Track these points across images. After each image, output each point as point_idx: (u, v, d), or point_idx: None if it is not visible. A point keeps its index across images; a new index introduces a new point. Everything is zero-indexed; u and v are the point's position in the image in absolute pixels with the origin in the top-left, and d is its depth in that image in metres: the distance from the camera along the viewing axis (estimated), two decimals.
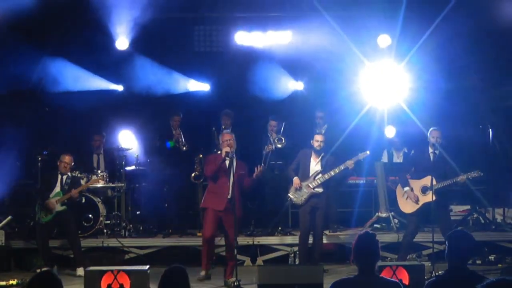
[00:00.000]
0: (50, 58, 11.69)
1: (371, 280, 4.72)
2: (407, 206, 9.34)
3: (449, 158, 9.18)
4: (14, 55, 11.10)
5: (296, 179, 9.46)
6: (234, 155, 8.97)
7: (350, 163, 9.39)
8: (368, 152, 9.53)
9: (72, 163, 10.05)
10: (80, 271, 9.35)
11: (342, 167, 9.38)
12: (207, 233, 8.97)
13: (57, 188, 9.86)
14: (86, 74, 12.06)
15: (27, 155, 11.34)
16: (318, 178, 9.39)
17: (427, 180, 9.10)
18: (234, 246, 9.01)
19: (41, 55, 11.59)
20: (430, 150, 9.22)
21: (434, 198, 8.92)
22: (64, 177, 10.01)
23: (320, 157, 9.49)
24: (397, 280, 4.94)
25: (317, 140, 9.46)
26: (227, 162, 8.97)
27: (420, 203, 9.16)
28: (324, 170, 9.40)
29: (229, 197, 8.89)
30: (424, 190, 9.14)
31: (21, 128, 11.83)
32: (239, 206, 9.03)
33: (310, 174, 9.45)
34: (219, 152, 9.14)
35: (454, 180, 8.98)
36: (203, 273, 8.97)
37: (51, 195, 9.79)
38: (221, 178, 9.00)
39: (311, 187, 9.38)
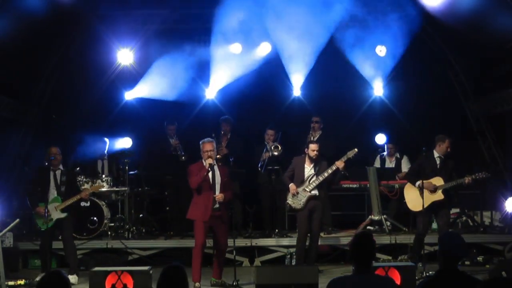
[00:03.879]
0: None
1: (367, 277, 4.73)
2: (415, 204, 9.32)
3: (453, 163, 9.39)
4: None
5: (292, 186, 9.43)
6: (215, 163, 8.77)
7: (340, 163, 9.36)
8: (356, 150, 9.43)
9: (60, 154, 9.36)
10: (73, 279, 8.94)
11: (333, 167, 9.36)
12: (198, 243, 8.64)
13: (53, 191, 9.30)
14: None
15: (33, 161, 11.31)
16: (313, 181, 9.37)
17: (434, 181, 9.23)
18: (225, 252, 8.96)
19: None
20: (436, 154, 9.36)
21: (442, 197, 9.11)
22: (58, 172, 9.35)
23: (313, 163, 9.49)
24: (391, 277, 4.94)
25: (313, 149, 9.42)
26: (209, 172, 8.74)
27: (430, 201, 9.15)
28: (317, 174, 9.41)
29: (215, 206, 8.63)
30: (432, 190, 9.22)
31: (27, 134, 11.88)
32: (226, 213, 8.86)
33: (305, 179, 9.45)
34: (202, 161, 8.77)
35: (460, 182, 9.13)
36: (197, 285, 8.52)
37: (49, 200, 9.23)
38: (205, 189, 8.66)
39: (308, 190, 9.37)
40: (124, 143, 11.85)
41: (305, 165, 9.51)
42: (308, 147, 9.47)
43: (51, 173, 9.37)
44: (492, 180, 11.45)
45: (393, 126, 12.03)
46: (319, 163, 9.49)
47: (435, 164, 9.35)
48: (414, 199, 9.33)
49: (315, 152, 9.41)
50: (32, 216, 9.52)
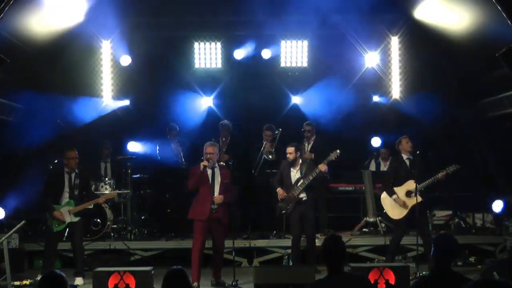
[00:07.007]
0: None
1: (340, 277, 4.82)
2: (396, 212, 9.30)
3: (425, 160, 9.30)
4: None
5: (279, 190, 9.44)
6: (217, 165, 8.86)
7: (322, 166, 9.30)
8: (338, 151, 9.39)
9: (77, 157, 9.25)
10: (79, 280, 9.03)
11: (317, 171, 9.30)
12: (197, 243, 8.70)
13: (67, 194, 9.23)
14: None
15: (39, 163, 11.25)
16: (300, 185, 9.34)
17: (408, 185, 9.16)
18: (222, 253, 8.98)
19: None
20: (405, 156, 9.28)
21: (420, 199, 8.93)
22: (73, 175, 9.25)
23: (299, 166, 9.46)
24: (363, 274, 5.01)
25: (288, 152, 9.44)
26: (209, 172, 8.76)
27: (409, 206, 9.12)
28: (304, 176, 9.37)
29: (213, 207, 8.65)
30: (408, 194, 9.14)
31: (33, 137, 11.82)
32: (225, 214, 8.88)
33: (293, 183, 9.41)
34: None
35: (434, 179, 8.98)
36: (195, 284, 8.55)
37: (61, 203, 9.22)
38: (204, 189, 8.72)
39: (295, 194, 9.34)
40: (131, 147, 11.85)
41: (291, 169, 9.49)
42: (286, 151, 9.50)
43: (66, 176, 9.28)
44: (484, 182, 11.50)
45: (387, 131, 12.00)
46: (305, 165, 9.45)
47: (406, 167, 9.25)
48: (394, 207, 9.29)
49: (292, 155, 9.41)
50: (38, 218, 9.45)
